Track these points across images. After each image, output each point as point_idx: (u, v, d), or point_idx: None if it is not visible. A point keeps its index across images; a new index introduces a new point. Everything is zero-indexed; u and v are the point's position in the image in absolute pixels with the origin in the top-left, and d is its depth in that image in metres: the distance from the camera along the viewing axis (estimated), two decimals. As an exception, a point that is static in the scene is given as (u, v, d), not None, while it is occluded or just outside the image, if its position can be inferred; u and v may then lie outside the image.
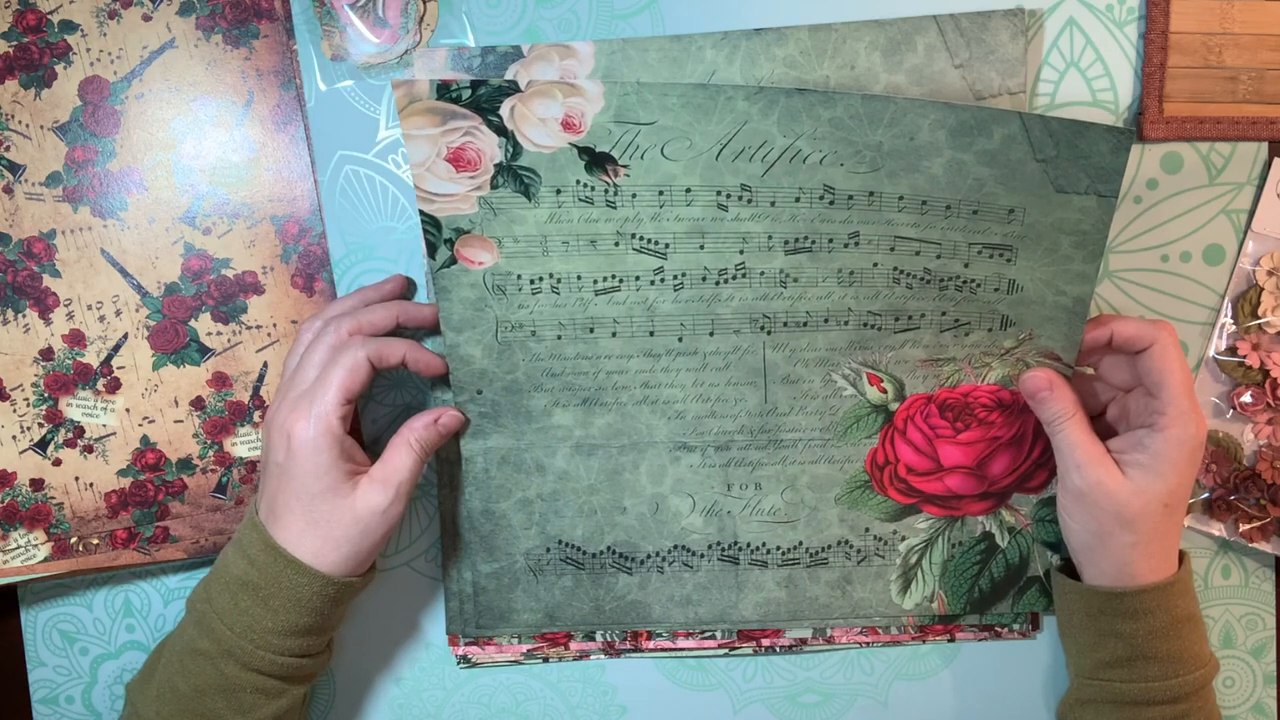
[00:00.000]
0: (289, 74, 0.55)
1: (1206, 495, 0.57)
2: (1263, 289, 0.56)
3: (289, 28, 0.55)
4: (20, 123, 0.54)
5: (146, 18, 0.54)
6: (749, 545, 0.55)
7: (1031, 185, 0.48)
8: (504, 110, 0.47)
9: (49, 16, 0.54)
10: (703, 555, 0.55)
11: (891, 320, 0.52)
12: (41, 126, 0.55)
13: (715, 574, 0.55)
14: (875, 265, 0.50)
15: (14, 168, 0.55)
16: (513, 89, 0.47)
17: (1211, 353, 0.57)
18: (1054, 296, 0.50)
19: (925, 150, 0.47)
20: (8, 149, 0.55)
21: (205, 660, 0.49)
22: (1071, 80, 0.55)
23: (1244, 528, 0.56)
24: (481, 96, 0.47)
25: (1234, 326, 0.56)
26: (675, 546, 0.55)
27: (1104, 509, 0.49)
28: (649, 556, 0.55)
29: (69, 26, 0.54)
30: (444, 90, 0.47)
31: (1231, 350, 0.56)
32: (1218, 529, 0.57)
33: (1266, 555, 0.58)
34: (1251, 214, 0.56)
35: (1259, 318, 0.56)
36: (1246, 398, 0.56)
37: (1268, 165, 0.56)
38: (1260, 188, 0.56)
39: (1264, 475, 0.56)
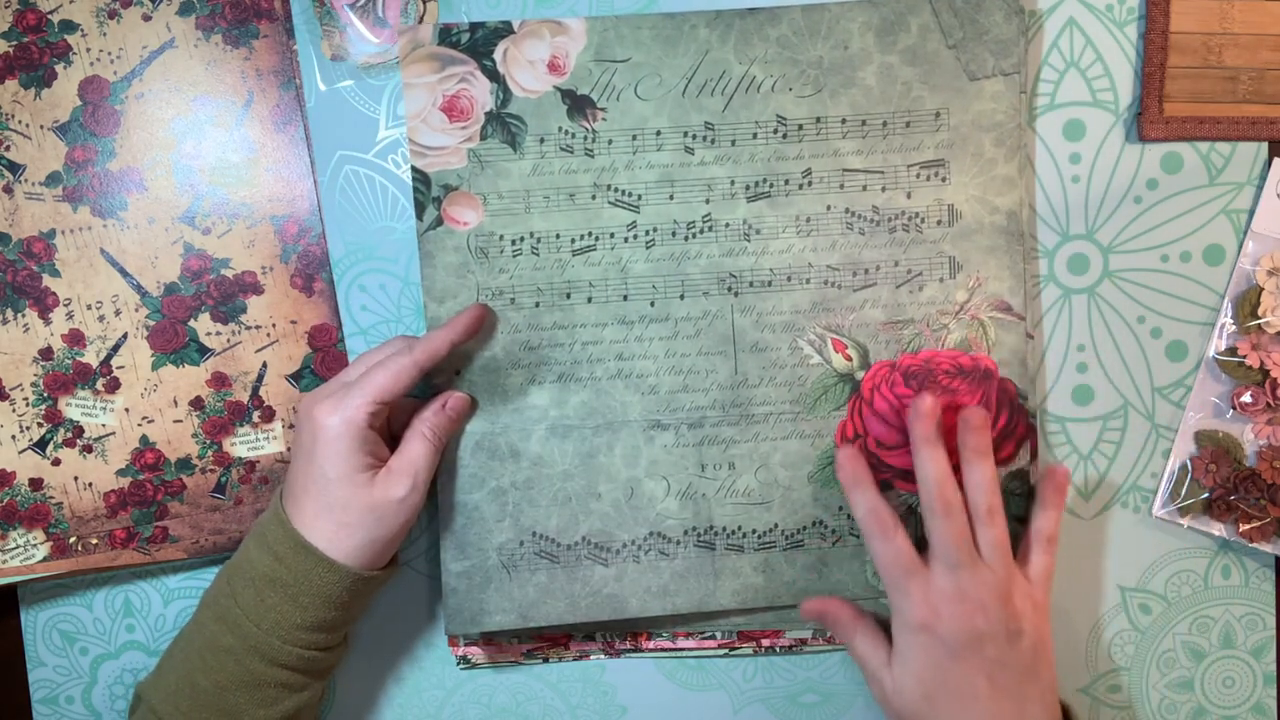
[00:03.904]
0: (289, 74, 0.55)
1: (1206, 495, 0.57)
2: (1263, 289, 0.56)
3: (289, 28, 0.55)
4: (20, 122, 0.55)
5: (146, 18, 0.54)
6: (724, 529, 0.55)
7: (949, 78, 0.53)
8: (498, 53, 0.52)
9: (49, 16, 0.54)
10: (678, 542, 0.55)
11: (850, 275, 0.54)
12: (41, 126, 0.55)
13: (692, 561, 0.55)
14: (829, 208, 0.54)
15: (14, 167, 0.55)
16: (507, 30, 0.52)
17: (1211, 353, 0.57)
18: (989, 217, 0.54)
19: (859, 59, 0.53)
20: (8, 149, 0.55)
21: (229, 656, 0.49)
22: (1071, 80, 0.55)
23: (1244, 528, 0.56)
24: (479, 39, 0.52)
25: (1234, 326, 0.56)
26: (651, 534, 0.55)
27: (885, 711, 0.50)
28: (624, 545, 0.55)
29: (69, 26, 0.54)
30: (445, 34, 0.52)
31: (1231, 350, 0.56)
32: (1218, 529, 0.57)
33: (1266, 555, 0.58)
34: (1251, 214, 0.56)
35: (1259, 318, 0.56)
36: (1246, 398, 0.56)
37: (1268, 165, 0.56)
38: (1260, 188, 0.56)
39: (1264, 475, 0.56)
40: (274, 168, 0.56)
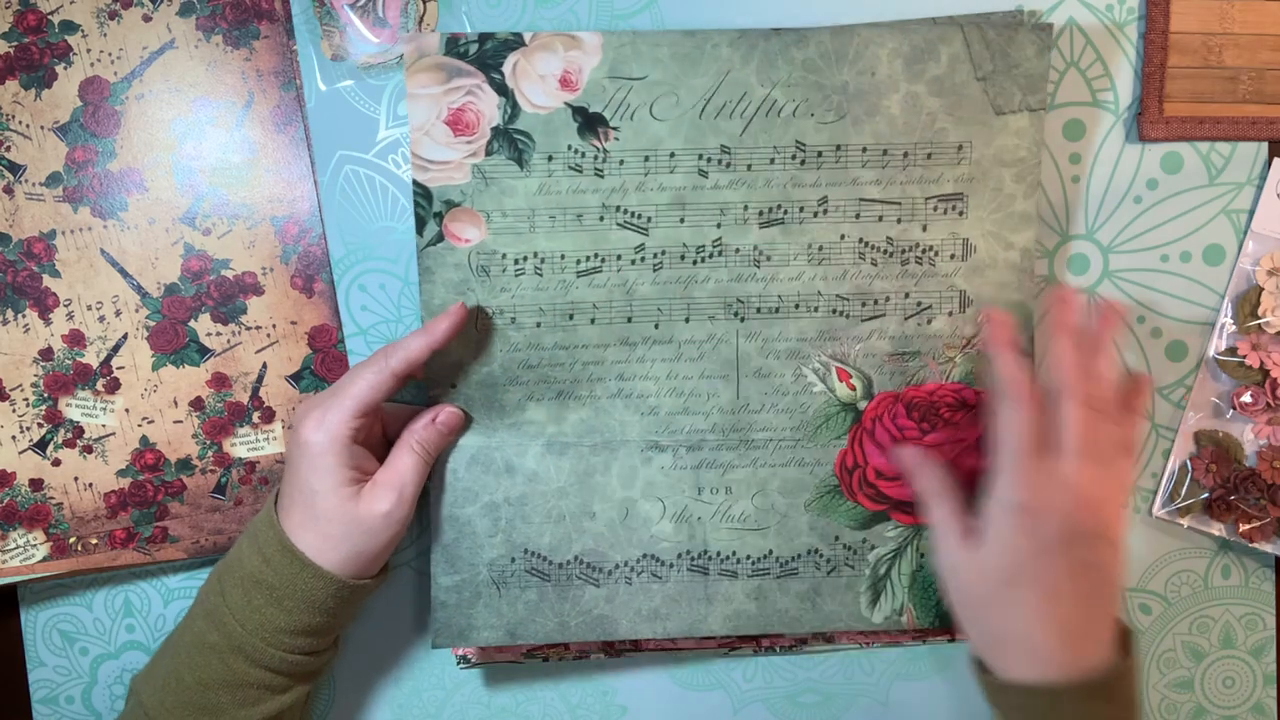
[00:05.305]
0: (289, 74, 0.55)
1: (1206, 495, 0.57)
2: (1263, 289, 0.56)
3: (289, 28, 0.55)
4: (20, 123, 0.55)
5: (147, 18, 0.54)
6: (719, 554, 0.54)
7: (975, 111, 0.52)
8: (507, 66, 0.50)
9: (49, 17, 0.54)
10: (671, 565, 0.54)
11: (859, 305, 0.53)
12: (42, 127, 0.55)
13: (684, 585, 0.54)
14: (842, 238, 0.52)
15: (14, 168, 0.55)
16: (518, 43, 0.50)
17: (1211, 353, 0.57)
18: (1003, 252, 0.53)
19: (885, 86, 0.51)
20: (8, 149, 0.55)
21: (214, 654, 0.49)
22: (1071, 80, 0.55)
23: (1244, 528, 0.56)
24: (488, 51, 0.50)
25: (1234, 326, 0.56)
26: (644, 556, 0.54)
27: (950, 586, 0.49)
28: (617, 566, 0.54)
29: (69, 27, 0.54)
30: (453, 44, 0.50)
31: (1231, 350, 0.56)
32: (1218, 529, 0.57)
33: (1266, 555, 0.58)
34: (1251, 214, 0.56)
35: (1259, 318, 0.56)
36: (1246, 398, 0.56)
37: (1268, 165, 0.56)
38: (1260, 188, 0.56)
39: (1264, 475, 0.56)
40: (274, 168, 0.56)
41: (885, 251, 0.53)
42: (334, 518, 0.48)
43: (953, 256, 0.53)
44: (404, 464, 0.50)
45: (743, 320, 0.53)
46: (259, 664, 0.49)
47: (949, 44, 0.51)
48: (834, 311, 0.53)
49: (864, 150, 0.52)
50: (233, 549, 0.51)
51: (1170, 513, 0.57)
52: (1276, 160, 0.56)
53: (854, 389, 0.54)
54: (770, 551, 0.55)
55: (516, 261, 0.52)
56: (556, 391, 0.53)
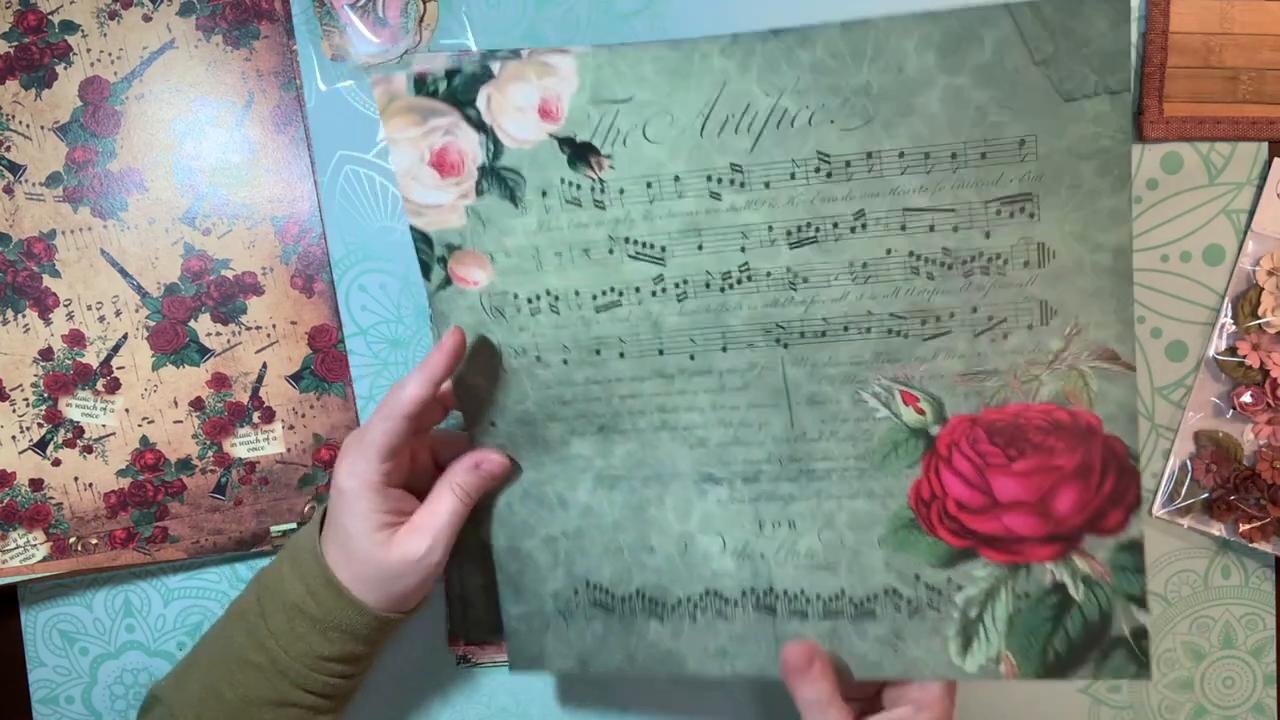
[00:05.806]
0: (289, 74, 0.55)
1: (1206, 495, 0.57)
2: (1263, 289, 0.56)
3: (289, 28, 0.55)
4: (21, 123, 0.55)
5: (147, 18, 0.54)
6: (786, 593, 0.50)
7: (1037, 100, 0.44)
8: (480, 101, 0.47)
9: (49, 17, 0.54)
10: (736, 603, 0.51)
11: (918, 324, 0.47)
12: (42, 127, 0.55)
13: (751, 625, 0.51)
14: (889, 252, 0.47)
15: (14, 168, 0.55)
16: (486, 75, 0.46)
17: (1211, 353, 0.57)
18: (1091, 255, 0.46)
19: (917, 82, 0.44)
20: (8, 149, 0.55)
21: (257, 673, 0.49)
22: (1071, 80, 0.55)
23: (1244, 528, 0.56)
24: (457, 87, 0.47)
25: (1234, 326, 0.56)
26: (707, 592, 0.51)
27: None
28: (680, 602, 0.51)
29: (69, 27, 0.54)
30: (421, 83, 0.47)
31: (1231, 350, 0.56)
32: (1218, 529, 0.57)
33: (1266, 555, 0.58)
34: (1251, 214, 0.56)
35: (1259, 318, 0.56)
36: (1246, 398, 0.56)
37: (1268, 165, 0.56)
38: (1260, 188, 0.56)
39: (1264, 475, 0.56)
40: (274, 168, 0.56)
41: (942, 264, 0.47)
42: (366, 560, 0.48)
43: (1026, 264, 0.46)
44: (442, 508, 0.49)
45: (786, 347, 0.48)
46: (302, 687, 0.49)
47: (993, 27, 0.43)
48: (890, 332, 0.47)
49: (901, 155, 0.45)
50: (272, 566, 0.51)
51: (1170, 513, 0.57)
52: (1276, 160, 0.56)
53: (923, 413, 0.48)
54: (843, 591, 0.50)
55: (530, 300, 0.49)
56: (598, 426, 0.50)
